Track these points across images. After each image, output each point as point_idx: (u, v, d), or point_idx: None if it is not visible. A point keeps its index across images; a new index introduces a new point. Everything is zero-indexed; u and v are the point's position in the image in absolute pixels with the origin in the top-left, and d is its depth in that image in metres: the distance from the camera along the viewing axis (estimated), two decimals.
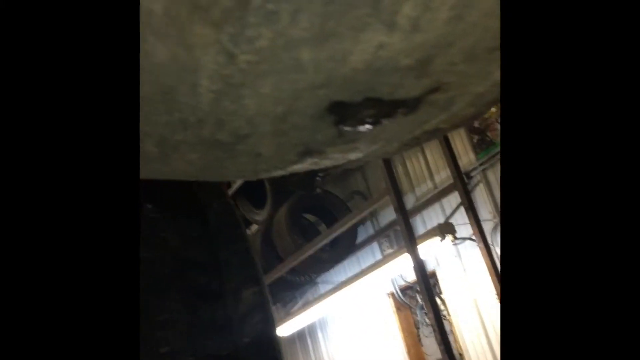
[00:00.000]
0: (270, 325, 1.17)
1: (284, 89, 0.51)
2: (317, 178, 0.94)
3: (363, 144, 0.64)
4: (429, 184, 5.52)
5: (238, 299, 1.15)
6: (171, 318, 1.07)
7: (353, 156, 0.68)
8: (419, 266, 4.34)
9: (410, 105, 0.57)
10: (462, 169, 4.93)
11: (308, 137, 0.60)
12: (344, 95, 0.54)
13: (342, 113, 0.57)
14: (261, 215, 6.38)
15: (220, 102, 0.52)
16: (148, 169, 0.65)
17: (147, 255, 1.10)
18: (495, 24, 0.51)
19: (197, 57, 0.46)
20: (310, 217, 6.33)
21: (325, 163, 0.68)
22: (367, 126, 0.59)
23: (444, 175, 5.31)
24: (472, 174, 5.07)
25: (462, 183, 4.78)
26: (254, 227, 7.06)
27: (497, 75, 0.56)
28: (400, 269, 5.30)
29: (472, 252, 4.91)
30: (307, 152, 0.63)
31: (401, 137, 0.65)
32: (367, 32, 0.45)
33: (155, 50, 0.46)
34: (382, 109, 0.57)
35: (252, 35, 0.44)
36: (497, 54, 0.53)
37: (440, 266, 5.38)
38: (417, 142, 0.68)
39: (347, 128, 0.59)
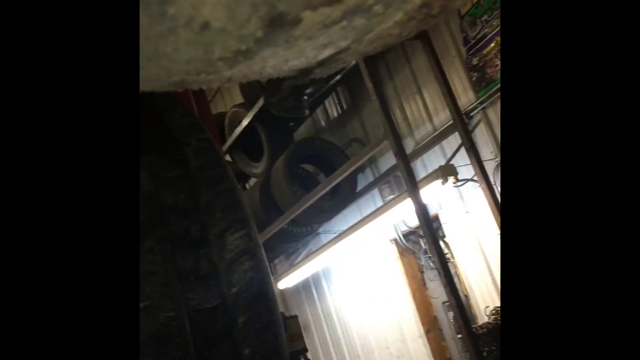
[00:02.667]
0: (262, 272, 1.05)
1: None
2: (305, 97, 0.80)
3: (353, 9, 0.46)
4: (428, 127, 5.37)
5: (223, 245, 1.02)
6: (147, 270, 0.94)
7: (342, 38, 0.52)
8: (422, 210, 4.26)
9: None
10: (462, 109, 4.78)
11: None
12: None
13: None
14: (259, 168, 6.26)
15: None
16: None
17: None
18: None
19: None
20: (308, 167, 6.21)
21: (306, 50, 0.52)
22: None
23: (443, 116, 5.15)
24: (472, 113, 4.90)
25: (462, 123, 4.64)
26: (252, 181, 6.97)
27: None
28: (402, 215, 5.23)
29: (475, 193, 4.81)
30: (275, 20, 0.46)
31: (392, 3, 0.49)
32: None
33: None
34: None
35: None
36: None
37: (442, 209, 5.29)
38: (427, 14, 0.52)
39: None
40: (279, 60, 0.53)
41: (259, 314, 1.00)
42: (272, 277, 1.09)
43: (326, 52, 0.54)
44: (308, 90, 0.88)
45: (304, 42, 0.50)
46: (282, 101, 0.76)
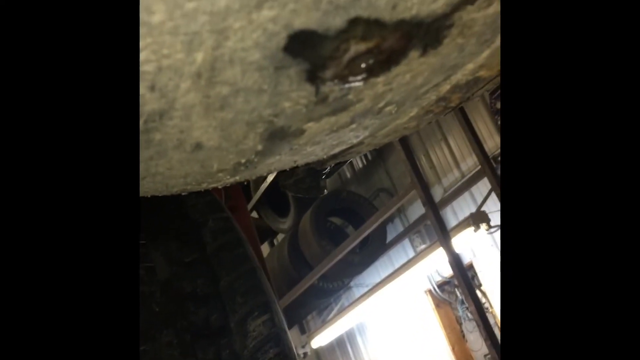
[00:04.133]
0: (288, 359, 0.97)
1: (188, 14, 0.30)
2: (323, 177, 0.74)
3: (362, 113, 0.41)
4: (456, 173, 5.27)
5: (245, 332, 0.95)
6: None
7: (353, 137, 0.46)
8: (455, 260, 4.12)
9: (430, 31, 0.35)
10: (489, 153, 4.68)
11: (268, 107, 0.37)
12: (312, 17, 0.32)
13: (315, 55, 0.35)
14: (286, 224, 6.21)
15: None
16: None
17: None
18: None
19: None
20: (336, 220, 6.13)
21: (315, 152, 0.46)
22: (362, 76, 0.37)
23: (470, 162, 5.07)
24: (500, 157, 4.80)
25: (490, 168, 4.53)
26: (281, 237, 6.91)
27: None
28: (435, 264, 5.07)
29: None
30: (276, 134, 0.40)
31: (420, 96, 0.43)
32: None
33: None
34: (383, 40, 0.35)
35: None
36: None
37: (477, 257, 5.12)
38: (446, 107, 0.46)
39: (328, 84, 0.37)
40: (285, 163, 0.48)
41: None
42: None
43: (337, 149, 0.48)
44: (326, 171, 0.82)
45: (311, 146, 0.44)
46: (299, 183, 0.71)
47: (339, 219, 6.12)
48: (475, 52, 0.38)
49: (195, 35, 0.30)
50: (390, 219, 5.84)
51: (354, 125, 0.42)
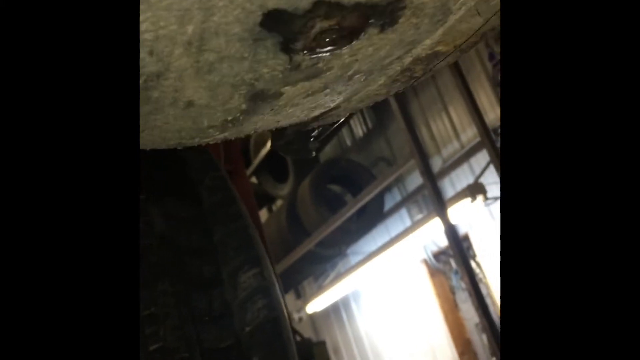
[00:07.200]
0: (276, 310, 1.04)
1: None
2: (312, 139, 0.80)
3: (334, 80, 0.47)
4: (456, 144, 5.31)
5: (236, 284, 1.03)
6: (161, 311, 0.96)
7: (329, 101, 0.52)
8: (451, 230, 4.20)
9: (385, 12, 0.41)
10: (489, 125, 4.71)
11: (249, 72, 0.44)
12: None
13: (286, 29, 0.41)
14: (285, 190, 6.28)
15: None
16: None
17: None
18: None
19: None
20: (334, 187, 6.20)
21: (295, 113, 0.53)
22: (328, 48, 0.43)
23: (470, 133, 5.09)
24: (500, 130, 4.83)
25: (489, 140, 4.57)
26: (279, 203, 6.99)
27: None
28: (431, 235, 5.16)
29: None
30: (257, 96, 0.48)
31: (385, 66, 0.48)
32: None
33: None
34: (343, 19, 0.41)
35: None
36: None
37: (473, 228, 5.20)
38: (411, 77, 0.52)
39: (299, 54, 0.43)
40: (269, 122, 0.54)
41: (273, 352, 1.00)
42: (287, 315, 1.08)
43: (316, 112, 0.54)
44: (314, 133, 0.87)
45: (290, 108, 0.50)
46: (289, 144, 0.77)
47: (338, 187, 6.19)
48: (430, 30, 0.44)
49: (186, 11, 0.37)
50: (389, 188, 5.90)
51: (327, 90, 0.48)
